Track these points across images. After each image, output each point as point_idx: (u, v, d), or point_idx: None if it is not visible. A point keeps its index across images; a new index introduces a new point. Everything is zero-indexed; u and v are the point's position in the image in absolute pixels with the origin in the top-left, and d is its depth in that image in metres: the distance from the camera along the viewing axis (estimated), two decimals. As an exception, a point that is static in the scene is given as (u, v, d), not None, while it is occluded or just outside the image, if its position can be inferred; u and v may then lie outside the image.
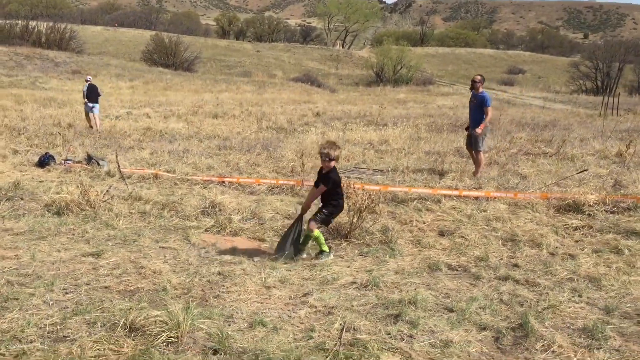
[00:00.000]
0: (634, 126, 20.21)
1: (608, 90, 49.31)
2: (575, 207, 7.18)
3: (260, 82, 44.02)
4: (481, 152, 9.81)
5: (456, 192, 8.12)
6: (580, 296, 4.67)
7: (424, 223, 6.86)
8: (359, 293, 4.73)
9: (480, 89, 9.59)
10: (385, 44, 58.60)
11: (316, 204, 5.96)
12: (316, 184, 5.77)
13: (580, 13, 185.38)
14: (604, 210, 7.07)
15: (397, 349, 3.75)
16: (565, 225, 6.66)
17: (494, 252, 5.83)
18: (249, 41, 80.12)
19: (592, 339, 3.87)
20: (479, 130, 9.45)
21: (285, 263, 5.47)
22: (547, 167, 10.77)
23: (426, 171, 10.22)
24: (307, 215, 5.89)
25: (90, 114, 16.64)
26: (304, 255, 5.69)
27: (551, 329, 4.00)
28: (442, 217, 7.06)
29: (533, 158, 12.14)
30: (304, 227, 5.74)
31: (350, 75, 59.70)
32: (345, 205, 6.12)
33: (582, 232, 6.48)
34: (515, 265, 5.50)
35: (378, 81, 52.84)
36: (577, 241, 6.25)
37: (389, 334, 3.94)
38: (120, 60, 46.24)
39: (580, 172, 8.98)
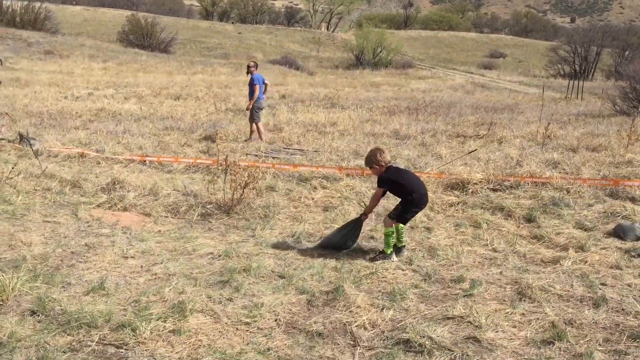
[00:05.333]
0: (586, 110, 20.59)
1: (585, 75, 49.75)
2: (461, 185, 7.54)
3: (238, 65, 43.91)
4: (257, 123, 11.85)
5: (359, 172, 8.45)
6: (410, 264, 5.03)
7: (313, 200, 7.19)
8: (206, 262, 5.07)
9: (255, 73, 11.71)
10: (366, 27, 58.57)
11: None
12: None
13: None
14: (487, 188, 7.43)
15: (209, 310, 4.09)
16: (444, 201, 7.02)
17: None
18: (232, 23, 79.71)
19: (391, 301, 4.24)
20: (249, 104, 11.76)
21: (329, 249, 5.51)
22: (470, 148, 11.11)
23: (347, 151, 10.54)
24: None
25: None
26: (405, 253, 5.40)
27: (359, 292, 4.36)
28: (332, 194, 7.39)
29: (464, 140, 12.49)
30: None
31: (331, 58, 59.67)
32: (232, 182, 6.44)
33: (456, 208, 6.84)
34: (372, 237, 5.87)
35: (358, 64, 52.93)
36: (447, 216, 6.62)
37: (210, 297, 4.28)
38: (96, 41, 46.01)
39: (471, 152, 9.35)
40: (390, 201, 6.39)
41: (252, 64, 12.00)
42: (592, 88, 34.23)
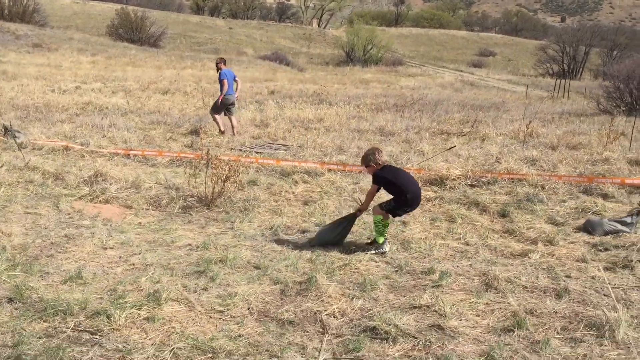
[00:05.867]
0: (571, 109, 20.82)
1: (573, 74, 50.16)
2: (440, 181, 7.67)
3: (228, 60, 43.69)
4: (214, 115, 12.22)
5: (341, 167, 8.57)
6: (383, 256, 5.16)
7: (293, 194, 7.30)
8: (184, 253, 5.17)
9: (223, 69, 11.99)
10: (357, 24, 58.69)
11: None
12: None
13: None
14: (465, 184, 7.57)
15: (184, 299, 4.19)
16: (422, 196, 7.13)
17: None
18: (223, 18, 79.50)
19: (362, 291, 4.36)
20: (219, 98, 11.94)
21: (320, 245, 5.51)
22: (451, 145, 11.25)
23: (331, 147, 10.64)
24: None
25: None
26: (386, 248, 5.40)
27: (331, 283, 4.48)
28: (313, 188, 7.51)
29: (448, 137, 12.63)
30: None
31: (322, 55, 59.71)
32: (213, 176, 6.53)
33: (433, 203, 6.98)
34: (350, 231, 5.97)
35: (348, 61, 53.02)
36: (424, 211, 6.75)
37: (185, 286, 4.39)
38: (85, 34, 45.80)
39: (449, 148, 9.49)
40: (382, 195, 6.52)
41: (219, 60, 12.43)
42: (579, 87, 34.56)
